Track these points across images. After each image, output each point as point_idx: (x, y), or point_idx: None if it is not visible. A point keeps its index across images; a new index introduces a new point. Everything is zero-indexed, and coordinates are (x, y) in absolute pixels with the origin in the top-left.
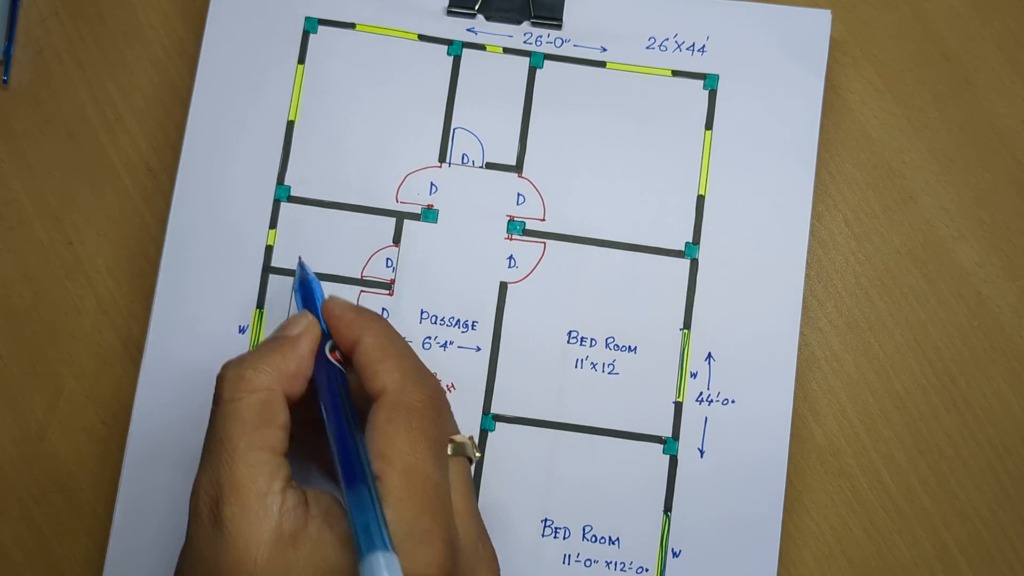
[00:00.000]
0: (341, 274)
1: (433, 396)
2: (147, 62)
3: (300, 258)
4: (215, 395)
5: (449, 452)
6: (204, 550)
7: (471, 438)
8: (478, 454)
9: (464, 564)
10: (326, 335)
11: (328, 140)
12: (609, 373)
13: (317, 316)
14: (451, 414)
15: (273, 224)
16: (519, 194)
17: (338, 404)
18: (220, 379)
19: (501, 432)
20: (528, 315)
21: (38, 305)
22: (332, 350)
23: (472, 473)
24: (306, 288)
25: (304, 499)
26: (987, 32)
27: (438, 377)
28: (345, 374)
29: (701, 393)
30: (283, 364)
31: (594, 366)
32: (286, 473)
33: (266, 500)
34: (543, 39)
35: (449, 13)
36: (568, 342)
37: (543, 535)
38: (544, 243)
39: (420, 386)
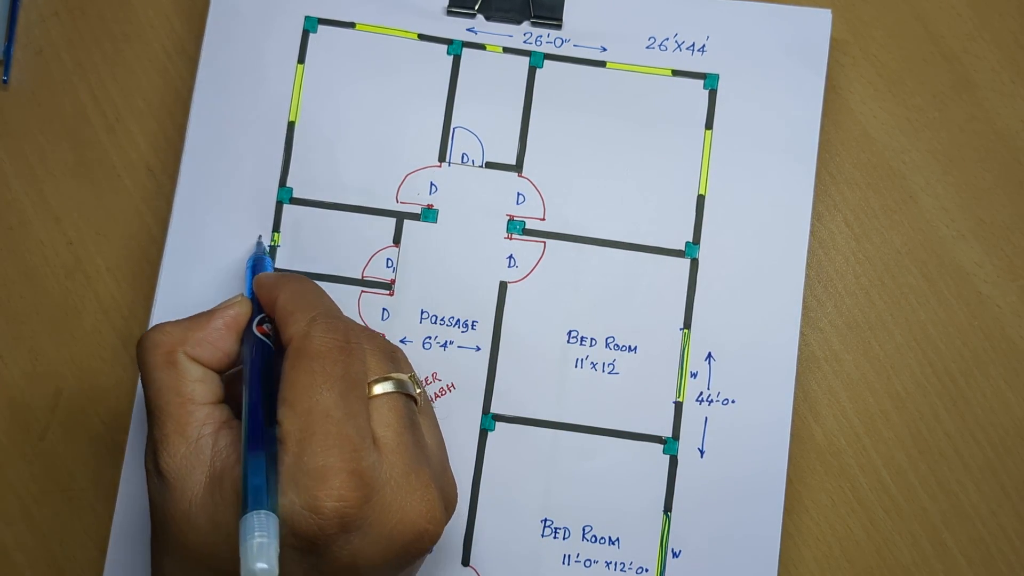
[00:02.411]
0: (342, 275)
1: (341, 339)
2: (147, 62)
3: (260, 237)
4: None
5: (378, 391)
6: (155, 499)
7: (412, 376)
8: (419, 390)
9: (388, 495)
10: (259, 311)
11: (328, 140)
12: (609, 373)
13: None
14: (384, 356)
15: (276, 227)
16: (519, 193)
17: (254, 374)
18: (136, 346)
19: (501, 432)
20: (528, 315)
21: (38, 305)
22: (260, 324)
23: (415, 408)
24: (257, 268)
25: (239, 438)
26: (987, 32)
27: (438, 377)
28: (271, 347)
29: (701, 393)
30: (189, 329)
31: (594, 366)
32: (219, 417)
33: (197, 445)
34: (543, 39)
35: (449, 13)
36: (568, 342)
37: (543, 535)
38: (544, 243)
39: (326, 330)
